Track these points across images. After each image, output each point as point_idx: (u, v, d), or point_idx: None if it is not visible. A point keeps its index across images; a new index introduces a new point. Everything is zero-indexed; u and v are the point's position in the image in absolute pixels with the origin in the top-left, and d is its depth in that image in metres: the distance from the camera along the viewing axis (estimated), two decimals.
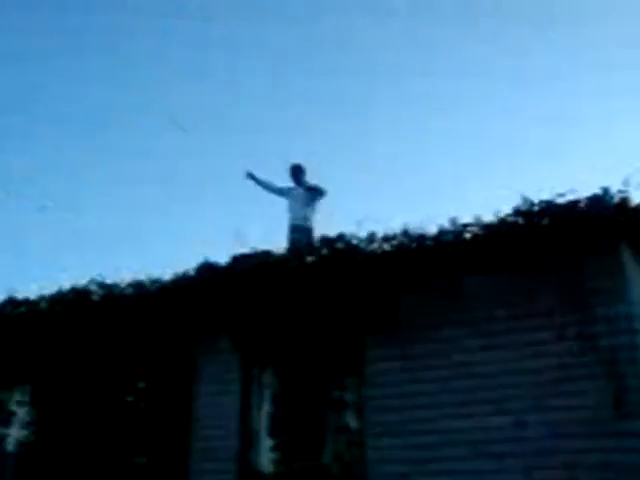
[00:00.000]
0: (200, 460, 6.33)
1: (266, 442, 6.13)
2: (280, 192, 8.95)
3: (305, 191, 8.68)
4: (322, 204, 8.76)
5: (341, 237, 5.93)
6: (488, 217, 5.56)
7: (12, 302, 7.43)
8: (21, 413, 7.14)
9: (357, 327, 5.93)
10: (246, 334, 6.33)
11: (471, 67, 18.37)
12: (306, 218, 8.54)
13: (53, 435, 6.89)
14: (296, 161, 9.02)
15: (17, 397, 7.21)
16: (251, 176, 8.91)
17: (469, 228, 5.52)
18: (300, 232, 8.35)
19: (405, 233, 5.73)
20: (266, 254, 6.65)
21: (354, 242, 5.91)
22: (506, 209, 5.54)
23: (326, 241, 6.00)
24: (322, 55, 20.71)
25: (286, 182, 8.94)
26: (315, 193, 8.67)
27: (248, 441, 6.30)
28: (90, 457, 6.63)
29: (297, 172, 8.86)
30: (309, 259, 6.03)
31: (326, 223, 7.65)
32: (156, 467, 6.52)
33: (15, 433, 7.22)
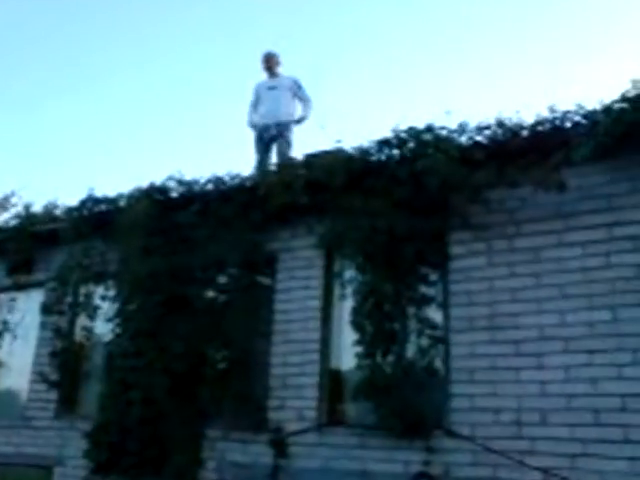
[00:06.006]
0: (281, 356, 6.41)
1: (348, 337, 6.12)
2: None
3: (280, 84, 7.79)
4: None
5: (430, 128, 5.67)
6: (591, 104, 5.23)
7: (92, 200, 7.51)
8: (105, 307, 7.29)
9: (442, 222, 5.77)
10: (327, 229, 6.25)
11: None
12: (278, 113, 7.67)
13: (135, 329, 7.00)
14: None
15: (100, 292, 7.35)
16: None
17: (569, 116, 5.21)
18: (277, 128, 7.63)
19: (500, 123, 5.44)
20: (341, 151, 6.48)
21: (444, 133, 5.66)
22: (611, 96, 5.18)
23: (413, 132, 5.74)
24: None
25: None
26: (293, 86, 7.77)
27: (329, 336, 6.34)
28: (171, 351, 6.72)
29: (268, 62, 7.97)
30: (395, 152, 5.82)
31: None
32: (236, 362, 6.60)
33: (100, 326, 7.42)
